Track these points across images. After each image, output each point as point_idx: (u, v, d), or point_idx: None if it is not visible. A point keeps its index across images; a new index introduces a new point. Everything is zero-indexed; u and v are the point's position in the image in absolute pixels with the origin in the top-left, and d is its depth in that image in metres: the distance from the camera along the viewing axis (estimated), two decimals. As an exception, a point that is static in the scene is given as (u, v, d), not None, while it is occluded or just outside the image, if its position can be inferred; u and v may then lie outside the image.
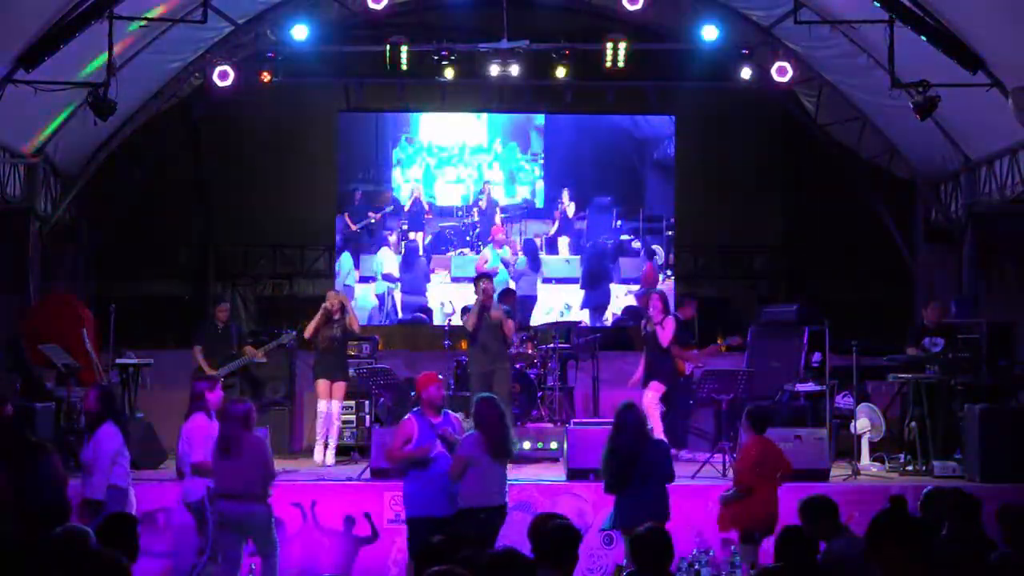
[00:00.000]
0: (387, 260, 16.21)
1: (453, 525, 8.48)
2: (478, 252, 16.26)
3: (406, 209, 16.28)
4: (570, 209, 16.35)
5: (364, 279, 16.22)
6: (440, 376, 9.27)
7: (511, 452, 8.88)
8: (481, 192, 16.34)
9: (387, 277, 16.21)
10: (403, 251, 16.25)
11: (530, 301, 15.97)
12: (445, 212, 16.39)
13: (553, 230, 16.35)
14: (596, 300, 16.27)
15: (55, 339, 12.45)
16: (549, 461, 12.04)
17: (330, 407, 12.07)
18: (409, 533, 9.02)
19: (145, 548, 9.34)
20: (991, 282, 14.24)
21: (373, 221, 16.24)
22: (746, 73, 14.28)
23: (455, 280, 16.21)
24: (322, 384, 12.12)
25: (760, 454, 9.29)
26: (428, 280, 16.20)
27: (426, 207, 16.30)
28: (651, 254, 16.26)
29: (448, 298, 16.05)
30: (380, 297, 16.20)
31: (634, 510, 8.71)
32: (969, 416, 11.49)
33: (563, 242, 16.38)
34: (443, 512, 8.68)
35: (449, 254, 16.29)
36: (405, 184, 16.35)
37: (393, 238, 16.24)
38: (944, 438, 11.93)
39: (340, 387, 12.16)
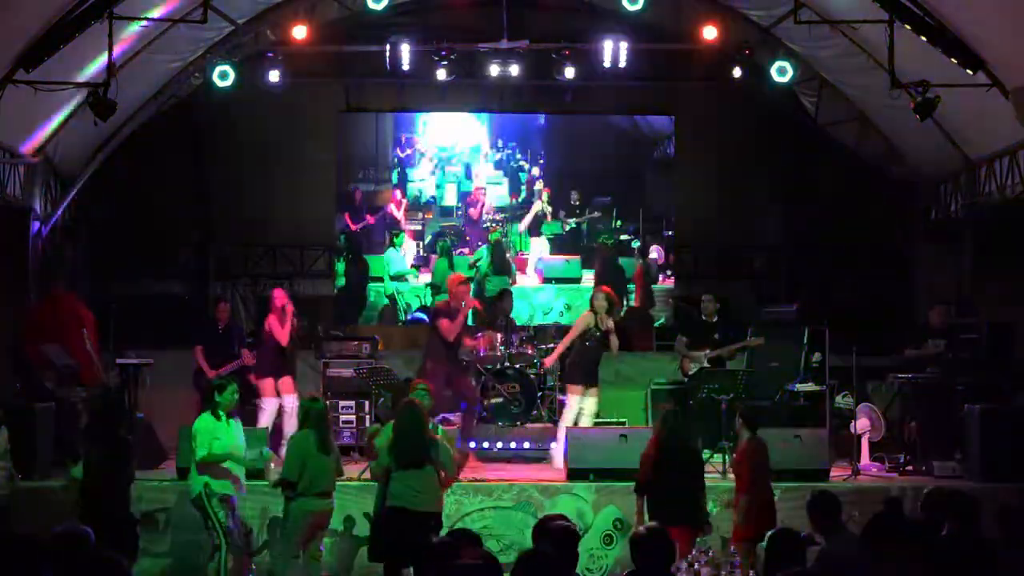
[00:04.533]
0: (395, 260, 16.20)
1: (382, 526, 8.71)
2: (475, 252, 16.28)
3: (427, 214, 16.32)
4: (544, 206, 16.28)
5: (374, 279, 16.21)
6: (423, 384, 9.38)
7: (418, 463, 8.80)
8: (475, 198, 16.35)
9: (396, 278, 16.17)
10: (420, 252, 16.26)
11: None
12: (445, 212, 16.39)
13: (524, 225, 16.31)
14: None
15: (55, 339, 12.44)
16: (548, 461, 12.05)
17: (284, 403, 12.18)
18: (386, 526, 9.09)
19: (144, 548, 9.41)
20: (991, 282, 14.23)
21: (372, 223, 16.25)
22: (737, 72, 14.28)
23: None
24: (270, 382, 12.25)
25: (760, 454, 9.33)
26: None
27: (437, 208, 16.32)
28: (644, 253, 16.25)
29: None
30: (391, 298, 16.19)
31: (667, 510, 8.81)
32: (969, 416, 11.50)
33: (537, 242, 16.29)
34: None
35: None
36: (408, 185, 16.35)
37: (399, 239, 16.24)
38: (944, 438, 11.93)
39: (288, 381, 12.34)
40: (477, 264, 16.14)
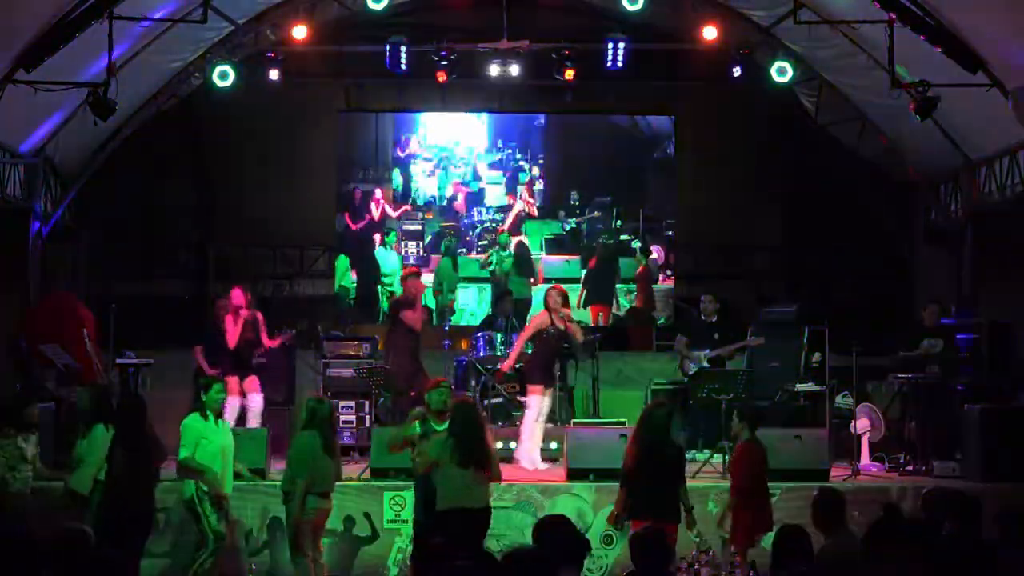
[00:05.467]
0: (390, 260, 16.19)
1: (433, 526, 8.58)
2: (477, 252, 16.24)
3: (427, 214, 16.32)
4: (523, 206, 16.24)
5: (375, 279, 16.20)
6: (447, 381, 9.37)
7: (477, 462, 8.67)
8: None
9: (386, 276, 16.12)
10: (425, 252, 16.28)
11: (523, 303, 15.88)
12: (445, 212, 16.38)
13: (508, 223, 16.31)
14: (601, 298, 16.23)
15: (56, 339, 12.45)
16: (549, 461, 12.04)
17: (249, 403, 12.12)
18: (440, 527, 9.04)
19: (145, 548, 9.41)
20: (991, 282, 14.24)
21: (381, 219, 16.23)
22: (737, 72, 14.32)
23: (455, 280, 16.24)
24: (233, 381, 12.04)
25: (758, 455, 9.31)
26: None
27: (437, 208, 16.29)
28: (646, 253, 16.24)
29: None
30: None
31: (644, 504, 8.77)
32: (969, 416, 11.50)
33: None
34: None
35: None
36: (408, 185, 16.33)
37: (389, 238, 16.23)
38: (944, 438, 11.94)
39: (253, 381, 12.26)
40: (491, 264, 16.12)
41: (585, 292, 16.15)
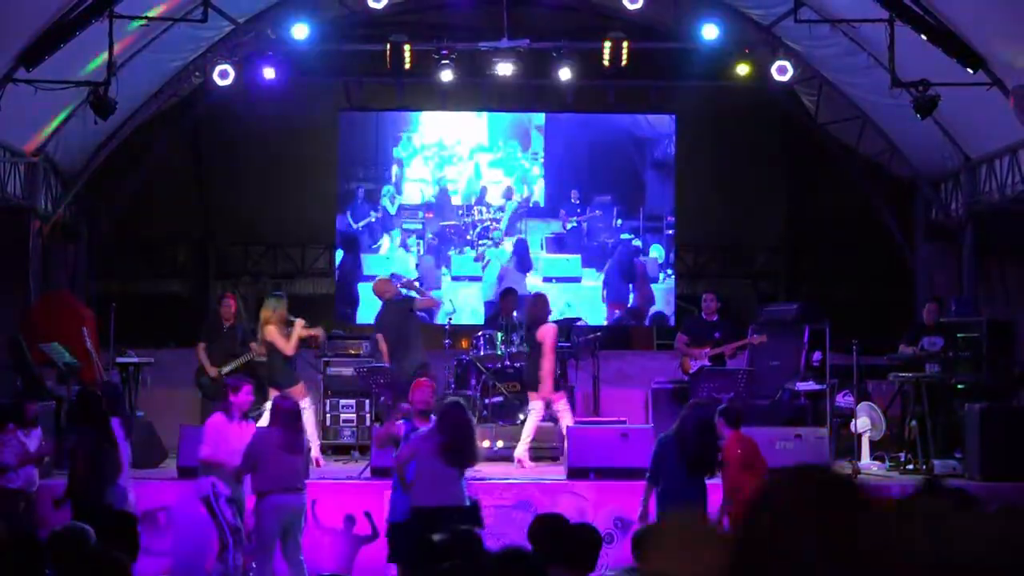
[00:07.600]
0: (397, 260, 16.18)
1: (409, 524, 8.57)
2: (476, 250, 16.24)
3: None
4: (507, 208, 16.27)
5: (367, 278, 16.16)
6: (431, 383, 9.32)
7: (464, 462, 8.66)
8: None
9: (396, 278, 16.05)
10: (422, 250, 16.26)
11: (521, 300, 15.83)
12: (444, 211, 16.37)
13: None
14: (618, 297, 16.23)
15: (55, 338, 12.44)
16: (549, 460, 12.05)
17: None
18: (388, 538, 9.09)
19: (145, 547, 9.38)
20: (991, 282, 14.24)
21: (373, 220, 16.21)
22: (742, 70, 14.32)
23: (455, 279, 16.19)
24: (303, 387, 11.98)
25: (746, 448, 9.30)
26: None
27: (436, 207, 16.27)
28: (645, 252, 16.22)
29: (448, 296, 16.02)
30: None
31: (672, 503, 8.80)
32: (969, 415, 11.50)
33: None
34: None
35: (449, 252, 16.27)
36: (409, 183, 16.31)
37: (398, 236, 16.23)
38: (944, 437, 11.95)
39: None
40: (488, 263, 16.11)
41: (605, 290, 16.16)
